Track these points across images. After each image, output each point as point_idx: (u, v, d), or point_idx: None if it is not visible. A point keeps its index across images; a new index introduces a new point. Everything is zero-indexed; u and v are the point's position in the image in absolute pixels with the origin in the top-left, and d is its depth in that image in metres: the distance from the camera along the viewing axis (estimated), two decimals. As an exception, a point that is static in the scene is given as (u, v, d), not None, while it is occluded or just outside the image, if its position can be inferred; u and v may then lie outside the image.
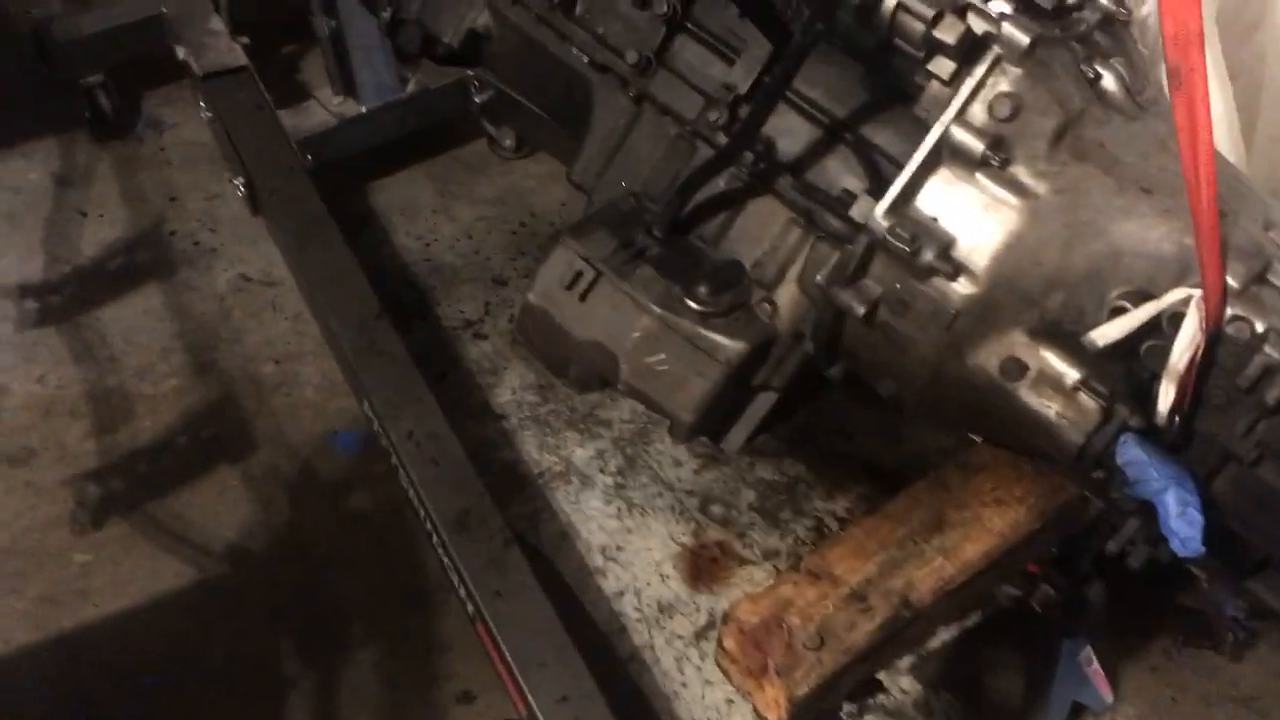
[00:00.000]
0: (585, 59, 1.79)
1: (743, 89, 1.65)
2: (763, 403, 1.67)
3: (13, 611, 2.04)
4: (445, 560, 1.98)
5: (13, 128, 2.77)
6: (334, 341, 2.34)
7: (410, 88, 2.70)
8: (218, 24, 2.72)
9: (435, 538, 2.00)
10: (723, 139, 1.65)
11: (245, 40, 2.69)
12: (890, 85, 1.61)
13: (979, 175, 1.48)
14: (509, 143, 2.80)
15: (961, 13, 1.46)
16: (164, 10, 2.76)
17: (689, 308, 1.60)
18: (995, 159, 1.45)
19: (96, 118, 2.81)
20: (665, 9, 1.73)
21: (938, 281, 1.50)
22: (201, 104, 2.68)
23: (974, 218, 1.48)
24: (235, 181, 2.58)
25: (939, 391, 1.61)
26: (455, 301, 2.62)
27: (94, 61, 2.78)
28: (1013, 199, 1.47)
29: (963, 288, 1.49)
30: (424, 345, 2.45)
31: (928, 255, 1.47)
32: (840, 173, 1.62)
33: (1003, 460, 1.73)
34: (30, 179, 2.73)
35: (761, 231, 1.66)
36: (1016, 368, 1.51)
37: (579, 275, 1.61)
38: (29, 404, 2.35)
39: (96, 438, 2.33)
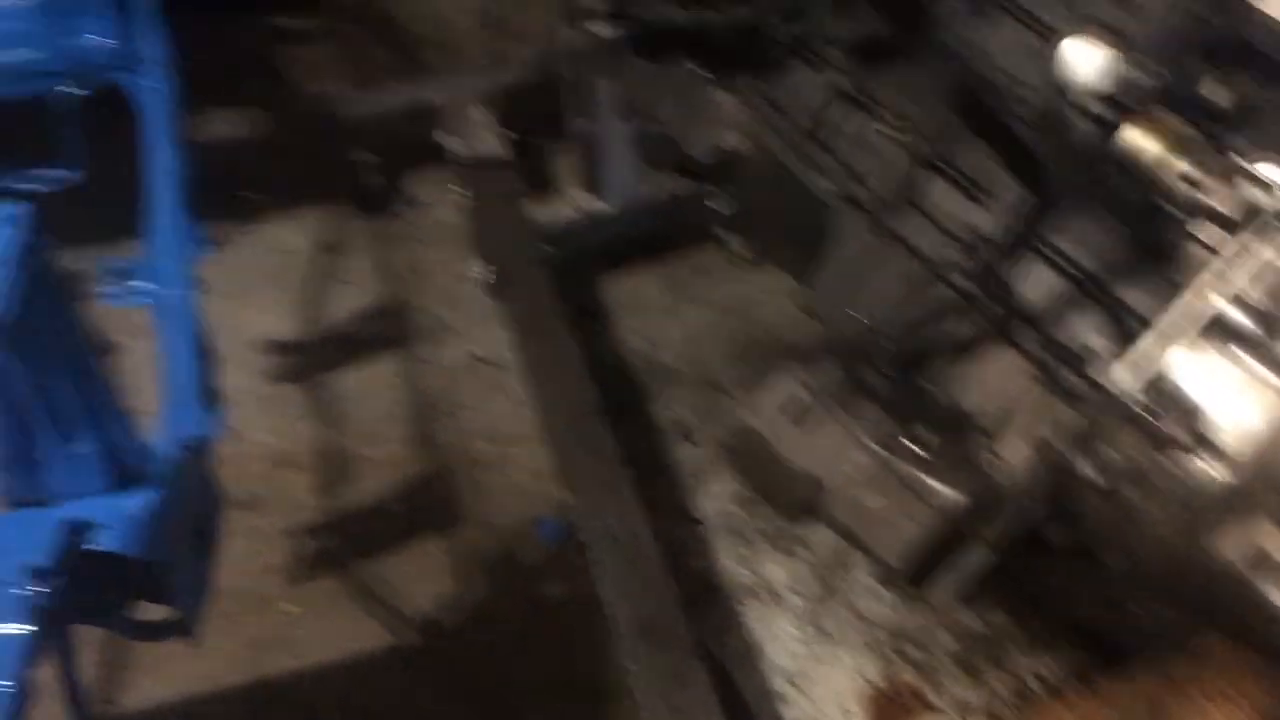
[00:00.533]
0: (831, 188, 1.79)
1: (990, 233, 1.61)
2: (976, 559, 1.61)
3: (223, 651, 2.14)
4: (627, 663, 1.97)
5: (287, 196, 2.98)
6: (549, 429, 2.39)
7: (653, 192, 2.77)
8: (482, 115, 2.88)
9: (620, 639, 1.99)
10: (964, 282, 1.61)
11: (507, 133, 2.84)
12: (1146, 243, 1.54)
13: (1240, 350, 1.39)
14: (743, 253, 2.83)
15: (1235, 179, 1.39)
16: (435, 99, 2.96)
17: (910, 450, 1.56)
18: (1261, 336, 1.37)
19: (362, 192, 3.00)
20: (917, 145, 1.72)
21: (1181, 456, 1.41)
22: (457, 188, 2.83)
23: (1229, 395, 1.39)
24: (478, 264, 2.70)
25: (1171, 570, 1.50)
26: (671, 403, 2.65)
27: (367, 140, 2.98)
28: (1277, 381, 1.38)
29: (1209, 467, 1.40)
30: (634, 443, 2.47)
31: (1173, 427, 1.39)
32: (1084, 328, 1.56)
33: (1235, 653, 1.59)
34: (296, 244, 2.93)
35: (994, 380, 1.61)
36: (1262, 560, 1.40)
37: (799, 403, 1.60)
38: (263, 454, 2.49)
39: (319, 494, 2.45)
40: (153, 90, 2.15)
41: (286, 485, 2.44)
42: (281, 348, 2.69)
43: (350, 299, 2.85)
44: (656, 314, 2.85)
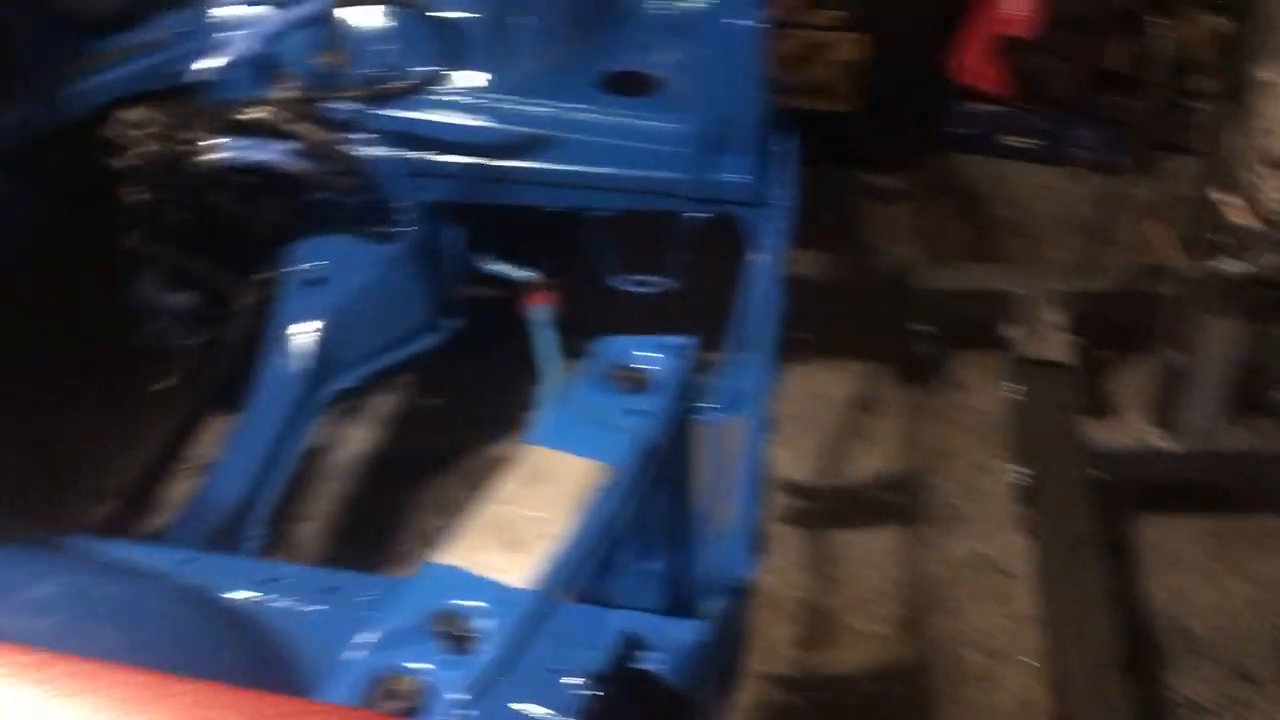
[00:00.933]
0: None
1: None
2: None
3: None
4: None
5: (837, 344, 3.02)
6: (1054, 665, 2.22)
7: (1228, 442, 2.52)
8: (1056, 316, 2.78)
9: None
10: None
11: (1076, 339, 2.73)
12: None
13: None
14: (1320, 538, 2.50)
15: None
16: (1006, 287, 2.91)
17: None
18: None
19: (909, 361, 2.99)
20: None
21: None
22: (1008, 382, 2.75)
23: None
24: (1012, 467, 2.59)
25: None
26: (1189, 677, 2.36)
27: (927, 312, 2.97)
28: None
29: None
30: (1142, 709, 2.22)
31: None
32: None
33: None
34: (833, 392, 2.97)
35: None
36: None
37: None
38: (758, 589, 2.51)
39: (796, 647, 2.42)
40: (770, 228, 2.26)
41: (770, 628, 2.44)
42: (796, 490, 2.71)
43: (871, 460, 2.83)
44: (1194, 573, 2.57)
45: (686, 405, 1.33)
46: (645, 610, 1.51)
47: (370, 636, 0.99)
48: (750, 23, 2.15)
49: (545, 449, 1.13)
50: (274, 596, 1.46)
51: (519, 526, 1.06)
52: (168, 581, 1.47)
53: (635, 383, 1.25)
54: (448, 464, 2.71)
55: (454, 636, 0.99)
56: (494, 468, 2.67)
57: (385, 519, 2.60)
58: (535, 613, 1.02)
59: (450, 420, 2.83)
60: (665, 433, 1.24)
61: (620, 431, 1.17)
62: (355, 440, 2.77)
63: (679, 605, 1.55)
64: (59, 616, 1.29)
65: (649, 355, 1.27)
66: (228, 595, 1.44)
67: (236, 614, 1.39)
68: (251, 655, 1.32)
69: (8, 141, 2.09)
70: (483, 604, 1.00)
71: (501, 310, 2.62)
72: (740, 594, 1.59)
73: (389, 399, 2.84)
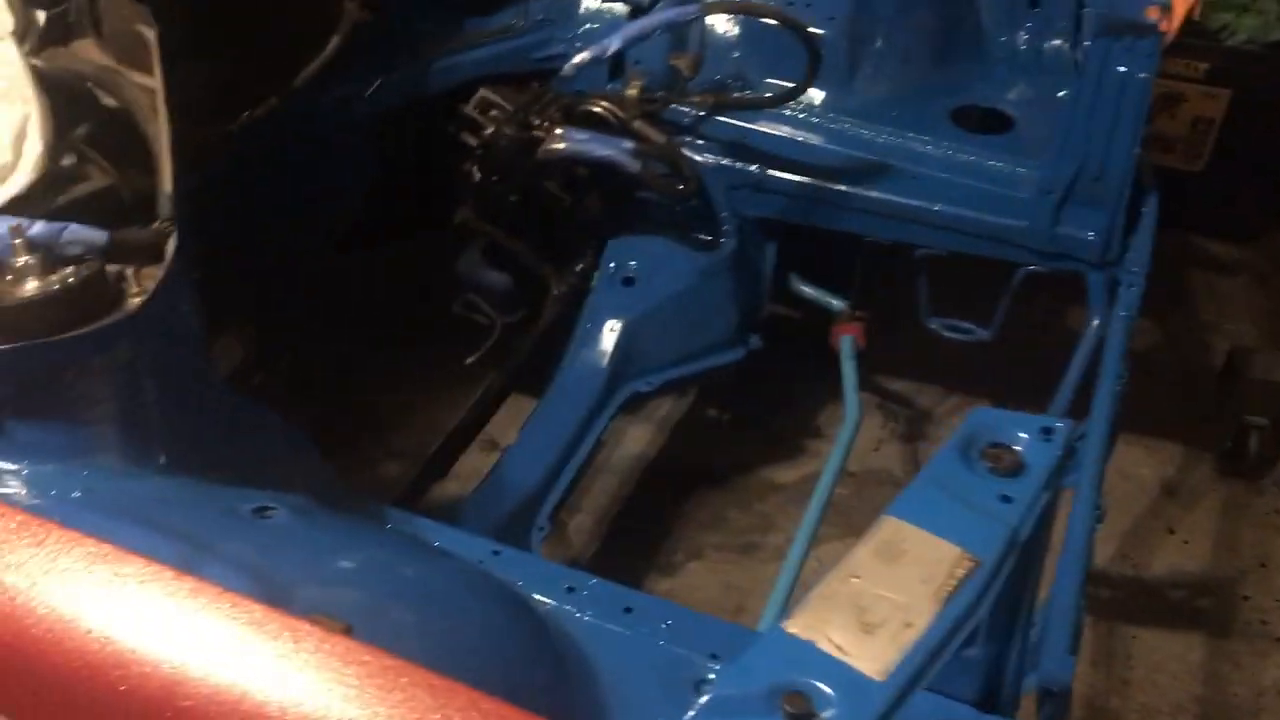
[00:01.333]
0: None
1: None
2: None
3: None
4: None
5: (1154, 426, 2.78)
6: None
7: None
8: None
9: None
10: None
11: None
12: None
13: None
14: None
15: None
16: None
17: None
18: None
19: (1235, 453, 2.72)
20: None
21: None
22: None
23: None
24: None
25: None
26: None
27: (1262, 405, 2.69)
28: None
29: None
30: None
31: None
32: None
33: None
34: (1144, 475, 2.73)
35: None
36: None
37: None
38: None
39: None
40: (1119, 293, 2.08)
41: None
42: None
43: (1177, 555, 2.59)
44: None
45: (1054, 494, 1.21)
46: (955, 698, 1.41)
47: (711, 698, 0.93)
48: (1138, 72, 1.97)
49: (909, 525, 1.04)
50: (572, 608, 1.44)
51: (876, 608, 0.98)
52: (474, 571, 1.47)
53: (1010, 465, 1.14)
54: (725, 482, 2.64)
55: (798, 718, 0.91)
56: (772, 492, 2.64)
57: (656, 525, 2.57)
58: (885, 711, 0.93)
59: (735, 438, 2.77)
60: (1034, 524, 1.13)
61: (992, 520, 1.07)
62: (636, 440, 2.75)
63: (988, 695, 1.43)
64: (361, 592, 1.29)
65: (1027, 437, 1.16)
66: (532, 597, 1.43)
67: (540, 621, 1.37)
68: (553, 669, 1.29)
69: (373, 107, 2.16)
70: (833, 690, 0.92)
71: (804, 335, 2.54)
72: (1059, 700, 1.45)
73: (676, 405, 2.81)
